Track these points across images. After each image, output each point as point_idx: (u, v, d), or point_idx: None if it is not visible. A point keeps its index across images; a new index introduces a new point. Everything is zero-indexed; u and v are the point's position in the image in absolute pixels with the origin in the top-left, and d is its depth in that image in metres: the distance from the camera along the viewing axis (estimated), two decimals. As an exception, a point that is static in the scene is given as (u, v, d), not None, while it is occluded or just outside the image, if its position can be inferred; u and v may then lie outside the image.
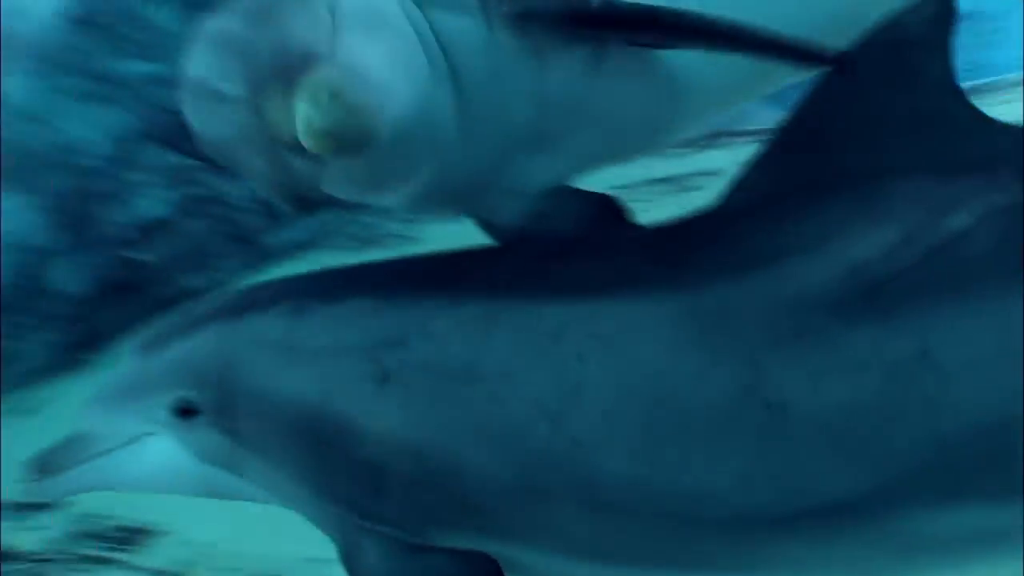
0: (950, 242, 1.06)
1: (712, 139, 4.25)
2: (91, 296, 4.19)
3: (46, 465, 1.32)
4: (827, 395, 1.03)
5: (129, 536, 3.14)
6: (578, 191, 1.50)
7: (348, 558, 1.25)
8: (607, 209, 1.48)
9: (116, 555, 3.11)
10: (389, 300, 1.26)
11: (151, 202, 4.50)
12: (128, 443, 1.32)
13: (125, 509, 3.29)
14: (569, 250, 1.31)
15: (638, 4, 1.23)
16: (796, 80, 1.46)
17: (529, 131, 1.34)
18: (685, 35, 1.24)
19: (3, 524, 3.66)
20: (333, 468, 1.23)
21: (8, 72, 6.41)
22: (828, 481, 1.04)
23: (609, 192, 1.50)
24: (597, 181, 1.49)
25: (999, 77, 4.23)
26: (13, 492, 3.69)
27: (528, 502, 1.14)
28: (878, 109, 1.21)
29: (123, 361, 1.35)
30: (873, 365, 1.02)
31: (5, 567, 3.23)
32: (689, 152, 4.05)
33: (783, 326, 1.07)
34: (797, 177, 1.20)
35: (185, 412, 1.29)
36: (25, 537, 3.34)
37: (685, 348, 1.10)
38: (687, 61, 1.34)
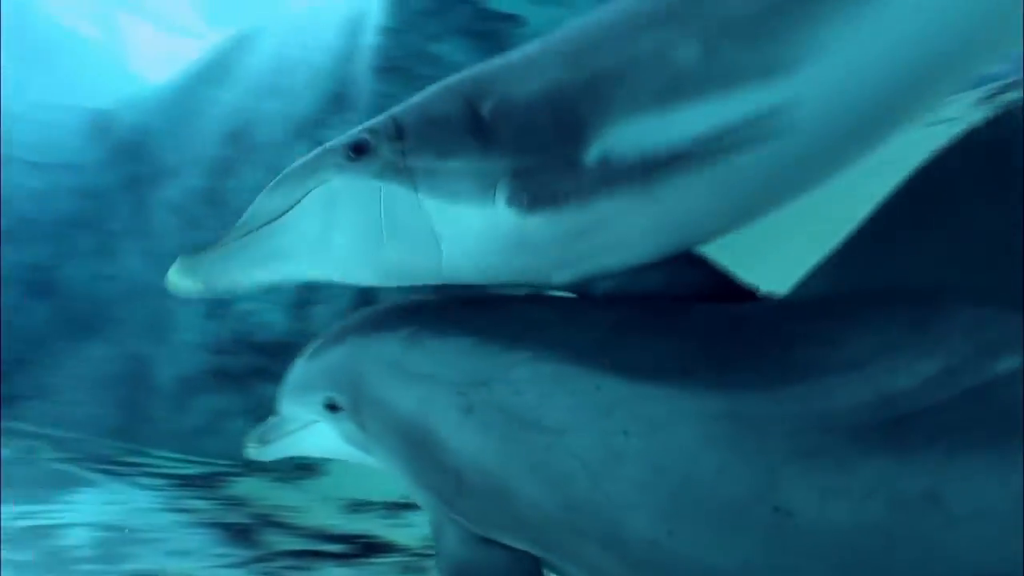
0: (989, 386, 1.03)
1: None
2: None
3: (259, 439, 1.76)
4: (832, 513, 1.07)
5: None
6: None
7: (435, 534, 1.56)
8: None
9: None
10: (484, 344, 1.46)
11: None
12: (304, 426, 1.73)
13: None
14: (637, 325, 1.43)
15: None
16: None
17: (535, 268, 1.51)
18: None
19: (382, 521, 4.18)
20: (427, 467, 1.50)
21: (328, 126, 7.43)
22: None
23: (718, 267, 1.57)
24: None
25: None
26: (389, 493, 4.26)
27: (565, 533, 1.34)
28: (957, 221, 1.18)
29: (297, 363, 1.69)
30: (880, 495, 1.04)
31: (387, 558, 3.69)
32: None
33: (804, 440, 1.12)
34: (862, 285, 1.23)
35: (332, 408, 1.63)
36: (401, 533, 3.83)
37: (714, 442, 1.19)
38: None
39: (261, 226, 1.54)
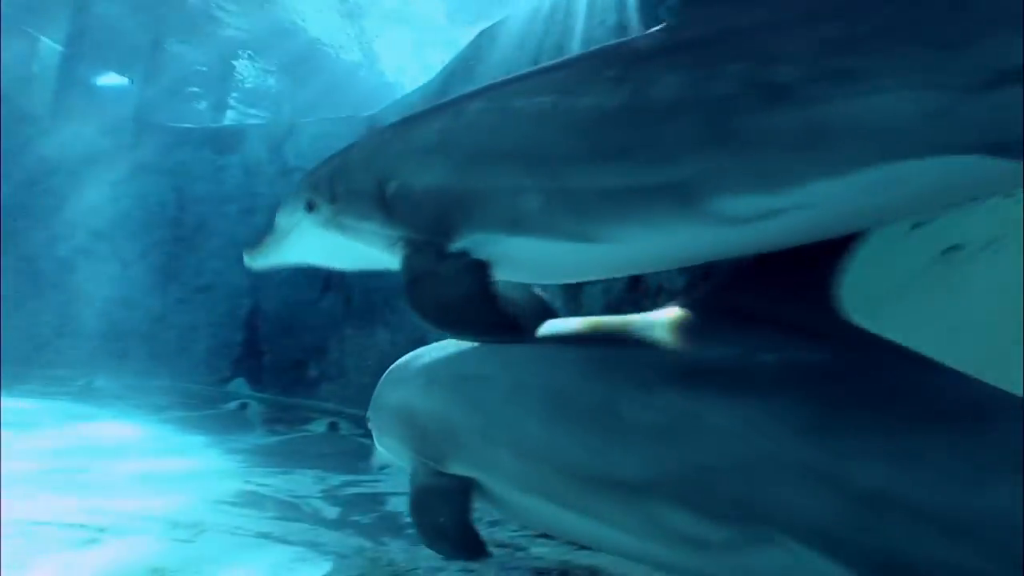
0: (760, 365, 1.93)
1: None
2: (688, 289, 4.56)
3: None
4: (642, 418, 2.06)
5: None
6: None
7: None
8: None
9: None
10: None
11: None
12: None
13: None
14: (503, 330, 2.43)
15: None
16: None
17: None
18: None
19: None
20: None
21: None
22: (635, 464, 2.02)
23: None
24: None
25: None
26: None
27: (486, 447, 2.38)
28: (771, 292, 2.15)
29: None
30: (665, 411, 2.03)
31: None
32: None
33: (637, 377, 2.08)
34: (716, 305, 2.27)
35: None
36: None
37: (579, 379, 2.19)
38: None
39: (277, 239, 2.81)
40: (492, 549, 3.49)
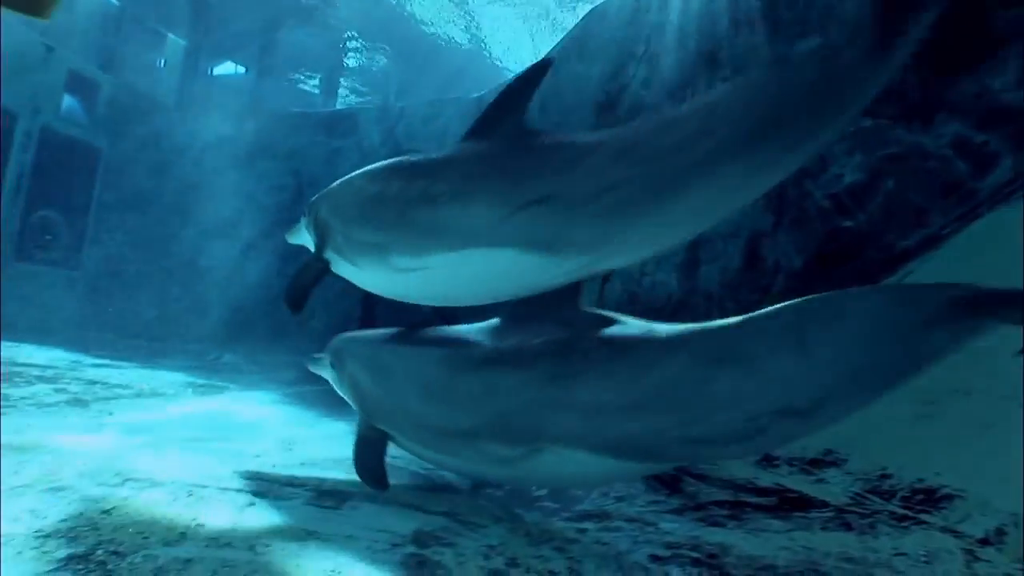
0: (529, 348, 3.30)
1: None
2: (806, 268, 4.47)
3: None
4: (478, 391, 3.41)
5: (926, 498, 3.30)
6: None
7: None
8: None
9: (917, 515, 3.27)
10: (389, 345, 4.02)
11: (848, 169, 4.59)
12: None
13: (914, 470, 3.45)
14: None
15: None
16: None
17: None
18: None
19: (799, 477, 4.23)
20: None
21: (697, 85, 7.36)
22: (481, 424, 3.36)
23: None
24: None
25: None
26: (809, 451, 4.25)
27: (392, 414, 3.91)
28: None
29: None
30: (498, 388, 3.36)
31: (812, 513, 3.66)
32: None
33: (470, 363, 3.45)
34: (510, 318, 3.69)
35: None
36: (820, 488, 3.80)
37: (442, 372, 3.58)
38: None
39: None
40: (622, 523, 3.56)
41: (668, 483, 4.17)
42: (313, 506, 3.42)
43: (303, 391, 8.20)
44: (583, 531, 3.39)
